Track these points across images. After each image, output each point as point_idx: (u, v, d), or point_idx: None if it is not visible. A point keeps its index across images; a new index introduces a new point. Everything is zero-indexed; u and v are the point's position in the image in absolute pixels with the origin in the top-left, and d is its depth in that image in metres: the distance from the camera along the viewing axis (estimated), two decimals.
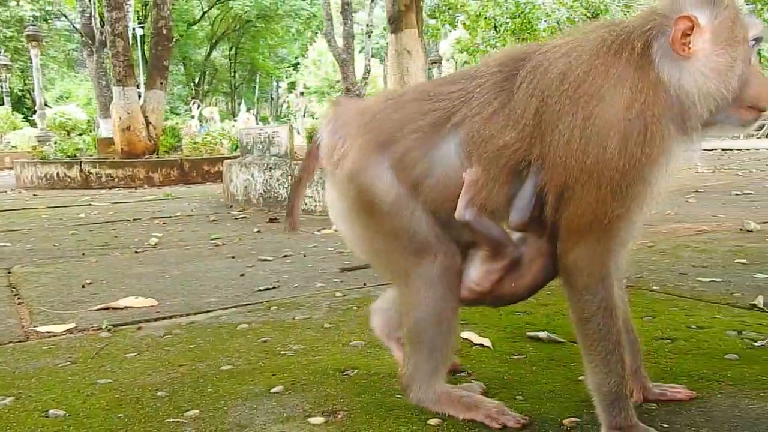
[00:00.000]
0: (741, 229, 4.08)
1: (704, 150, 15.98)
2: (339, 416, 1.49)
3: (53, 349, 2.09)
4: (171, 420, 1.49)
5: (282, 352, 1.99)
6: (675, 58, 1.25)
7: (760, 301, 2.37)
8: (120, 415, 1.53)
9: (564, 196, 1.28)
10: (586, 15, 18.55)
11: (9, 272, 3.54)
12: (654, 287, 2.69)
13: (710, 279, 2.78)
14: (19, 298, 2.90)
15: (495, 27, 19.48)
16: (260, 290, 2.90)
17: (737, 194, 6.19)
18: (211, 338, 2.16)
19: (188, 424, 1.47)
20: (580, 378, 1.65)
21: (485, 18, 19.01)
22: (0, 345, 2.18)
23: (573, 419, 1.43)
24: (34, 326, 2.39)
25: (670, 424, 1.41)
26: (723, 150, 15.70)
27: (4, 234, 5.12)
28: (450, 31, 31.61)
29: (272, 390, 1.65)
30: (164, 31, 11.49)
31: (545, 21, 19.41)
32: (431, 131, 1.35)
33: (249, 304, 2.65)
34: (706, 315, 2.24)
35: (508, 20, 18.67)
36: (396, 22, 6.95)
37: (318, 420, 1.47)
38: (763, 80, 1.28)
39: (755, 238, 3.79)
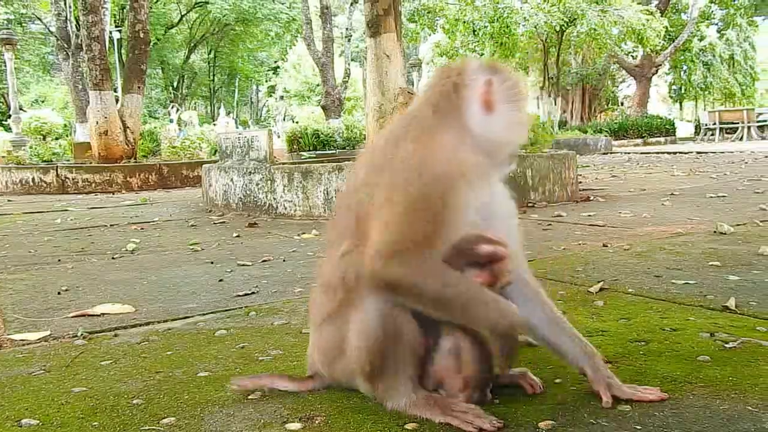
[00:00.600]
0: (714, 232, 4.15)
1: (680, 153, 16.27)
2: (317, 422, 1.49)
3: (27, 358, 2.06)
4: (146, 428, 1.48)
5: (260, 358, 1.98)
6: (482, 114, 1.51)
7: (732, 303, 2.41)
8: (95, 423, 1.52)
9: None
10: (563, 20, 18.75)
11: None
12: (629, 290, 2.73)
13: (684, 281, 2.83)
14: None
15: (474, 31, 19.62)
16: (239, 296, 2.89)
17: (711, 197, 6.30)
18: (188, 345, 2.14)
19: None
20: (557, 380, 1.68)
21: (464, 22, 19.14)
22: None
23: (548, 422, 1.44)
24: (8, 334, 2.36)
25: (643, 425, 1.43)
26: (698, 153, 15.96)
27: None
28: (429, 35, 31.79)
29: (249, 396, 1.65)
30: (141, 35, 11.40)
31: (523, 25, 19.59)
32: None
33: (227, 310, 2.64)
34: (680, 317, 2.28)
35: (486, 24, 18.80)
36: (374, 26, 6.97)
37: (295, 426, 1.47)
38: (524, 129, 1.61)
39: (728, 240, 3.85)
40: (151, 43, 38.38)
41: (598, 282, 2.81)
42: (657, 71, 32.36)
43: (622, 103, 39.37)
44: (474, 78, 1.53)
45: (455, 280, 1.39)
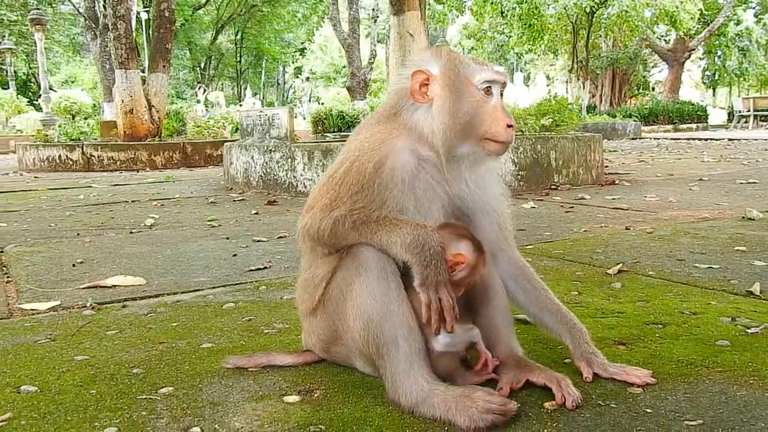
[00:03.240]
0: (743, 217, 4.03)
1: (711, 139, 15.93)
2: (315, 395, 1.46)
3: (35, 326, 2.06)
4: (143, 397, 1.46)
5: (265, 331, 1.95)
6: (418, 105, 1.48)
7: (756, 288, 2.32)
8: (92, 391, 1.50)
9: None
10: (594, 1, 18.35)
11: (1, 251, 3.52)
12: (650, 272, 2.64)
13: (707, 266, 2.73)
14: (8, 277, 2.87)
15: (502, 12, 19.31)
16: (251, 270, 2.87)
17: (741, 183, 6.12)
18: (195, 317, 2.13)
19: (160, 401, 1.44)
20: (566, 360, 1.62)
21: (492, 3, 18.84)
22: None
23: (554, 402, 1.39)
24: (19, 304, 2.36)
25: (655, 408, 1.37)
26: (730, 140, 15.58)
27: (3, 214, 5.10)
28: (457, 17, 31.41)
29: (250, 369, 1.62)
30: (166, 14, 11.41)
31: (553, 7, 19.22)
32: None
33: (238, 284, 2.61)
34: (700, 301, 2.20)
35: (515, 6, 18.48)
36: (398, 4, 6.87)
37: (293, 399, 1.44)
38: (497, 117, 1.45)
39: (756, 226, 3.73)
40: (179, 24, 38.56)
41: (617, 264, 2.73)
42: (690, 56, 31.63)
43: (653, 89, 38.62)
44: (408, 70, 1.50)
45: (347, 221, 1.41)
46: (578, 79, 21.04)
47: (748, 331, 1.86)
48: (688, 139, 17.03)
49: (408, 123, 1.49)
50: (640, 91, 36.03)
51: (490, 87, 1.47)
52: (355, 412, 1.37)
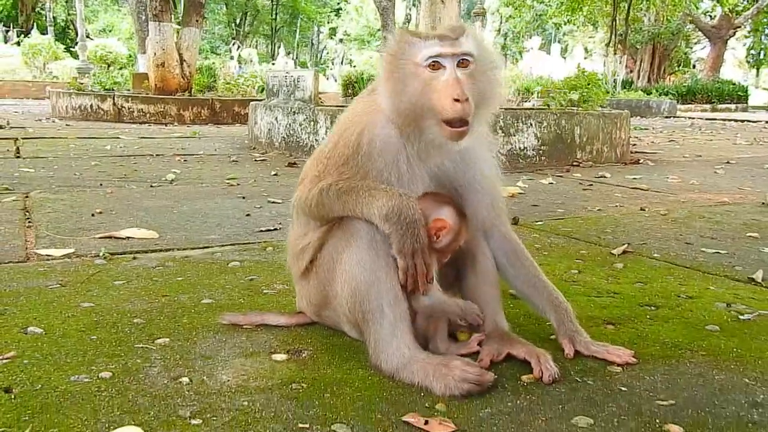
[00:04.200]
0: (762, 203, 3.98)
1: (748, 121, 15.53)
2: (303, 355, 1.52)
3: (48, 272, 2.16)
4: (140, 345, 1.54)
5: (265, 291, 2.02)
6: (382, 87, 1.49)
7: (759, 275, 2.32)
8: (93, 337, 1.58)
9: None
10: None
11: (27, 197, 3.63)
12: (655, 255, 2.65)
13: (714, 250, 2.73)
14: (29, 222, 2.98)
15: None
16: (261, 231, 2.93)
17: None
18: (200, 273, 2.20)
19: (156, 351, 1.51)
20: (551, 337, 1.65)
21: None
22: (0, 263, 2.25)
23: (532, 375, 1.43)
24: (36, 249, 2.46)
25: (630, 387, 1.40)
26: (767, 122, 15.17)
27: (30, 160, 5.24)
28: None
29: (245, 326, 1.68)
30: None
31: None
32: None
33: (246, 243, 2.68)
34: (699, 285, 2.21)
35: None
36: None
37: (281, 357, 1.50)
38: (442, 91, 1.39)
39: None
40: None
41: (623, 245, 2.73)
42: (735, 34, 30.65)
43: (694, 66, 37.56)
44: (382, 53, 1.50)
45: (332, 190, 1.45)
46: (615, 54, 20.55)
47: (740, 317, 1.87)
48: (725, 120, 16.63)
49: (378, 102, 1.50)
50: (680, 68, 35.07)
51: (437, 62, 1.41)
52: (338, 373, 1.43)
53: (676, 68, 34.11)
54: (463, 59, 1.42)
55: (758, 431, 1.22)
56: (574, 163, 5.92)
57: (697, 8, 21.55)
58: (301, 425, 1.19)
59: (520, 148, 5.74)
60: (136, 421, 1.17)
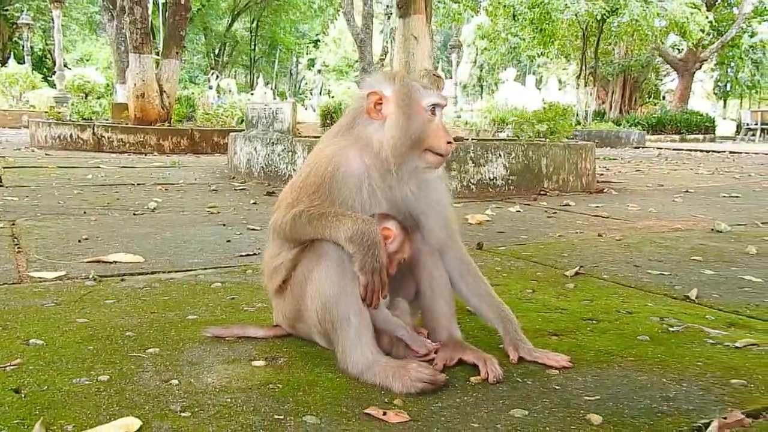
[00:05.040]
0: (712, 230, 4.25)
1: (713, 151, 16.06)
2: (279, 361, 1.72)
3: (42, 292, 2.33)
4: (133, 354, 1.72)
5: (245, 309, 2.21)
6: (372, 121, 1.72)
7: (693, 293, 2.56)
8: (90, 347, 1.76)
9: None
10: (604, 9, 18.50)
11: (13, 224, 3.79)
12: (604, 276, 2.89)
13: (659, 272, 2.97)
14: (18, 247, 3.14)
15: (514, 16, 19.48)
16: (241, 255, 3.12)
17: (724, 196, 6.34)
18: (185, 293, 2.38)
19: (147, 359, 1.70)
20: (500, 346, 1.86)
21: (504, 6, 19.01)
22: None
23: (479, 377, 1.64)
24: (29, 272, 2.63)
25: (563, 386, 1.61)
26: (731, 153, 15.75)
27: (14, 189, 5.38)
28: (473, 17, 31.50)
29: (227, 339, 1.87)
30: (182, 1, 11.66)
31: (566, 13, 19.36)
32: None
33: (228, 267, 2.87)
34: (639, 303, 2.44)
35: (527, 9, 18.66)
36: (404, 7, 7.10)
37: (260, 363, 1.70)
38: (440, 134, 1.71)
39: (721, 238, 3.96)
40: (196, 10, 38.80)
41: (576, 267, 2.97)
42: (701, 66, 31.69)
43: (664, 97, 38.63)
44: (364, 91, 1.74)
45: (304, 215, 1.66)
46: (585, 86, 21.19)
47: (670, 329, 2.10)
48: (691, 150, 17.21)
49: (361, 136, 1.73)
50: (651, 99, 36.05)
51: (434, 108, 1.72)
52: (310, 376, 1.63)
53: (647, 100, 35.08)
54: (443, 108, 1.76)
55: (665, 418, 1.44)
56: (542, 192, 6.20)
57: (663, 42, 22.33)
58: (276, 417, 1.39)
59: (489, 177, 6.02)
60: (134, 414, 1.36)
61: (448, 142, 1.71)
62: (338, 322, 1.61)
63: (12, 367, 1.61)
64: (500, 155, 6.04)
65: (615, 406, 1.50)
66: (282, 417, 1.39)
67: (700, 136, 25.19)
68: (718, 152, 16.15)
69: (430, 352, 1.73)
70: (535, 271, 2.96)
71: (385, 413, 1.40)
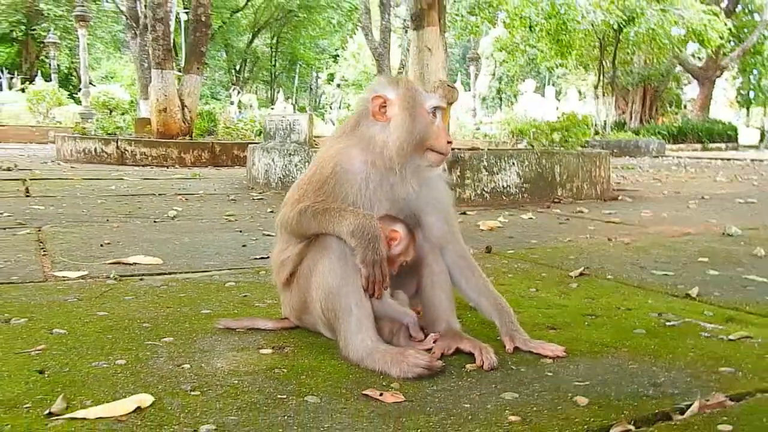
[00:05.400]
0: (723, 233, 4.28)
1: (734, 159, 15.93)
2: (285, 350, 1.81)
3: (65, 289, 2.45)
4: (149, 343, 1.83)
5: (256, 305, 2.31)
6: (377, 123, 1.83)
7: (694, 291, 2.61)
8: (109, 336, 1.88)
9: None
10: (622, 18, 18.50)
11: (39, 230, 3.94)
12: (608, 276, 2.94)
13: (663, 272, 3.02)
14: (44, 251, 3.28)
15: (530, 27, 19.55)
16: (255, 258, 3.23)
17: (740, 202, 6.34)
18: (200, 291, 2.49)
19: (162, 347, 1.80)
20: (498, 338, 1.93)
21: (521, 17, 19.10)
22: (22, 283, 2.56)
23: (475, 364, 1.72)
24: (53, 272, 2.76)
25: (555, 373, 1.69)
26: (752, 160, 15.62)
27: (40, 199, 5.57)
28: (490, 29, 31.63)
29: (237, 330, 1.98)
30: (203, 18, 11.92)
31: (582, 24, 19.39)
32: None
33: (241, 268, 2.98)
34: (640, 300, 2.50)
35: (543, 20, 18.73)
36: (418, 20, 7.21)
37: (267, 351, 1.79)
38: (441, 134, 1.83)
39: (731, 241, 3.99)
40: (217, 26, 39.46)
41: (581, 268, 3.03)
42: (722, 74, 31.46)
43: (685, 106, 38.33)
44: (369, 95, 1.85)
45: (309, 211, 1.76)
46: (603, 96, 21.16)
47: (667, 323, 2.16)
48: (711, 158, 17.09)
49: (364, 136, 1.83)
50: (672, 108, 35.79)
51: (435, 111, 1.83)
52: (313, 362, 1.72)
53: (668, 109, 34.84)
54: (443, 110, 1.86)
55: (649, 401, 1.51)
56: (555, 200, 6.25)
57: (681, 51, 22.23)
58: (279, 396, 1.48)
59: (503, 186, 6.08)
60: (147, 392, 1.46)
61: (448, 142, 1.83)
62: (340, 311, 1.71)
63: (36, 352, 1.72)
64: (513, 163, 6.11)
65: (602, 390, 1.57)
66: (284, 396, 1.48)
67: (723, 145, 25.00)
68: (740, 160, 16.03)
69: (429, 341, 1.81)
70: (541, 272, 3.03)
71: (381, 394, 1.49)
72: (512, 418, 1.40)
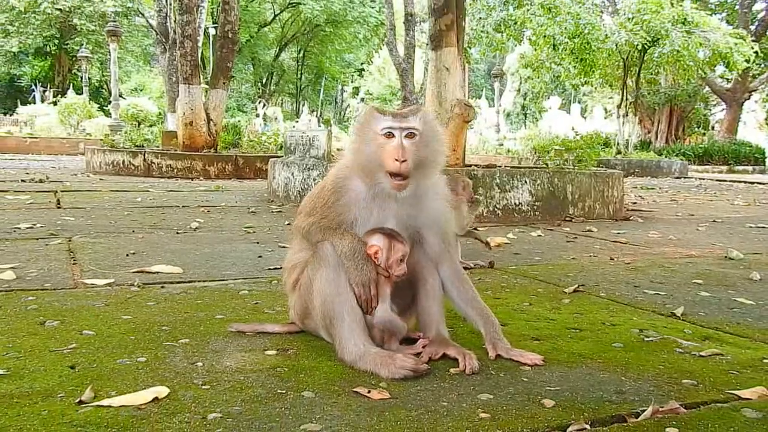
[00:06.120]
0: (725, 257, 4.39)
1: (758, 183, 15.82)
2: (289, 352, 2.01)
3: (93, 295, 2.69)
4: (167, 343, 2.05)
5: (266, 311, 2.52)
6: (352, 148, 2.03)
7: (679, 311, 2.76)
8: (132, 337, 2.10)
9: None
10: (645, 39, 18.57)
11: (70, 240, 4.20)
12: (601, 294, 3.10)
13: (655, 292, 3.17)
14: (74, 260, 3.53)
15: (554, 46, 19.69)
16: (270, 269, 3.44)
17: (750, 226, 6.41)
18: (215, 298, 2.71)
19: (178, 347, 2.02)
20: (482, 346, 2.11)
21: (544, 36, 19.25)
22: (54, 289, 2.80)
23: (458, 368, 1.90)
24: (83, 280, 3.00)
25: (530, 378, 1.86)
26: None
27: (71, 210, 5.86)
28: (516, 46, 31.79)
29: (247, 333, 2.18)
30: (230, 35, 12.30)
31: (606, 44, 19.46)
32: None
33: (256, 278, 3.19)
34: (625, 317, 2.65)
35: (566, 40, 18.86)
36: (437, 40, 7.44)
37: (272, 352, 2.00)
38: (390, 153, 1.91)
39: (731, 265, 4.10)
40: (245, 40, 40.25)
41: (576, 285, 3.19)
42: (750, 96, 31.22)
43: (713, 127, 38.03)
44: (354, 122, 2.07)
45: (315, 226, 1.99)
46: (626, 115, 21.20)
47: (645, 339, 2.32)
48: (734, 181, 17.01)
49: (350, 158, 2.05)
50: (699, 129, 35.52)
51: (390, 132, 1.94)
52: (312, 363, 1.92)
53: (695, 129, 34.60)
54: (409, 132, 1.96)
55: (610, 405, 1.67)
56: (567, 219, 6.39)
57: (706, 73, 22.18)
58: (279, 391, 1.68)
59: (515, 203, 6.25)
60: (164, 385, 1.67)
61: (396, 160, 1.89)
62: (335, 318, 1.91)
63: (68, 350, 1.95)
64: (526, 182, 6.27)
65: (570, 395, 1.74)
66: (284, 391, 1.68)
67: (749, 168, 24.77)
68: (764, 184, 15.94)
69: (419, 345, 2.00)
70: (537, 287, 3.19)
71: (369, 391, 1.68)
72: (483, 415, 1.58)
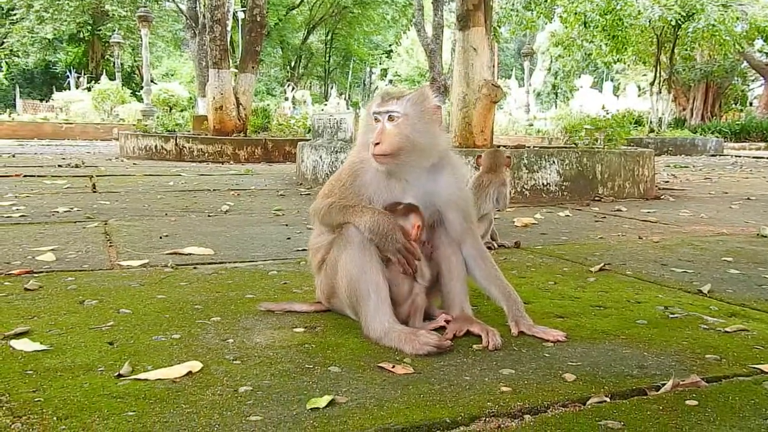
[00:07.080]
0: (757, 235, 4.34)
1: None
2: (316, 329, 2.07)
3: (129, 276, 2.78)
4: (200, 321, 2.12)
5: (294, 291, 2.59)
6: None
7: (706, 288, 2.75)
8: (166, 315, 2.18)
9: None
10: (679, 14, 18.14)
11: (106, 223, 4.33)
12: (627, 272, 3.10)
13: (683, 270, 3.15)
14: (110, 242, 3.64)
15: (585, 23, 19.36)
16: (298, 250, 3.51)
17: None
18: (246, 278, 2.79)
19: (210, 325, 2.09)
20: (505, 323, 2.14)
21: (575, 13, 18.94)
22: (92, 270, 2.90)
23: (481, 345, 1.94)
24: (119, 261, 3.10)
25: (552, 354, 1.89)
26: None
27: (106, 194, 6.02)
28: (546, 24, 31.31)
29: (276, 312, 2.25)
30: (258, 19, 12.36)
31: (639, 20, 19.07)
32: None
33: (284, 259, 3.27)
34: (651, 295, 2.66)
35: (598, 17, 18.52)
36: (464, 21, 7.38)
37: (300, 330, 2.06)
38: (374, 137, 1.97)
39: (763, 242, 4.05)
40: (273, 24, 40.32)
41: (603, 263, 3.19)
42: None
43: (751, 103, 37.06)
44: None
45: (334, 206, 2.05)
46: (660, 92, 20.78)
47: (670, 316, 2.33)
48: None
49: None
50: (736, 105, 34.65)
51: (376, 116, 2.00)
52: (339, 339, 1.97)
53: (732, 106, 33.77)
54: (390, 115, 2.00)
55: (631, 380, 1.70)
56: (596, 198, 6.35)
57: (743, 48, 21.58)
58: (307, 366, 1.74)
59: (543, 183, 6.22)
60: (197, 360, 1.74)
61: (373, 143, 1.97)
62: (361, 296, 1.96)
63: (107, 327, 2.04)
64: (554, 162, 6.24)
65: (591, 370, 1.77)
66: (311, 366, 1.74)
67: None
68: None
69: (440, 320, 2.04)
70: (563, 267, 3.21)
71: (394, 366, 1.73)
72: (504, 389, 1.62)
